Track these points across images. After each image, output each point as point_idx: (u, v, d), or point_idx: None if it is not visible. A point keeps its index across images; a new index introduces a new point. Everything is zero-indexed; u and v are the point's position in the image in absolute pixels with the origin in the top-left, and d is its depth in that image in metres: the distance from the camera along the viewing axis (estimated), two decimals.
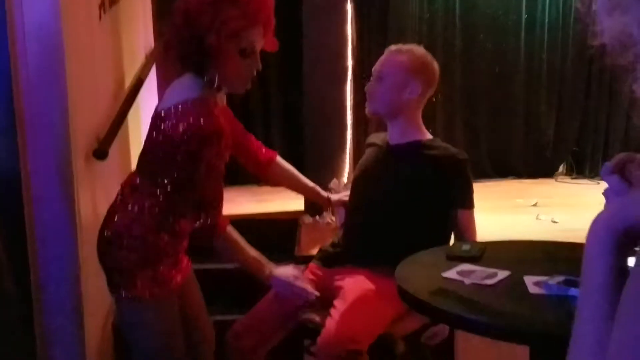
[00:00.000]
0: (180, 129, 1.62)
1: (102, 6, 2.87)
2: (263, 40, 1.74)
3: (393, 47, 2.01)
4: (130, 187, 1.81)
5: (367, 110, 2.05)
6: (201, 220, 1.67)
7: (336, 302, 1.80)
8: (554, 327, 1.07)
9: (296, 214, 3.29)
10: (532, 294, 1.24)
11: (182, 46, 1.67)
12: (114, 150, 2.81)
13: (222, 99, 1.89)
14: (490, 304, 1.20)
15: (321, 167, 3.37)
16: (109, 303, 2.87)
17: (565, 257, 1.52)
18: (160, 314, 1.73)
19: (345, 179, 3.46)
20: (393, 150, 2.03)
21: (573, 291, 1.20)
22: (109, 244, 1.76)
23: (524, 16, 4.64)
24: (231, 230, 1.72)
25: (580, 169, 4.77)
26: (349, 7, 3.58)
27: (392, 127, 2.02)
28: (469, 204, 1.96)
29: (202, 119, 1.62)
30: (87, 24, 2.72)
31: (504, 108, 4.73)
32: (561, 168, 4.87)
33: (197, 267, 2.94)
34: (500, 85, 4.71)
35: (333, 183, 3.23)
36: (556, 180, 4.70)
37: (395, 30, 4.31)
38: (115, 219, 1.75)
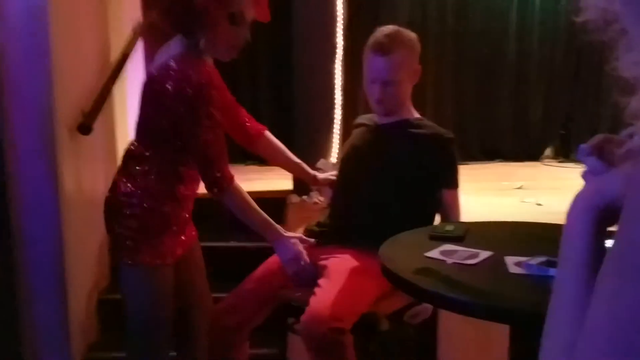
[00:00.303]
0: (171, 82, 1.65)
1: None
2: (254, 10, 1.74)
3: (384, 44, 1.88)
4: (128, 156, 1.82)
5: (383, 112, 1.99)
6: (208, 176, 1.70)
7: (321, 281, 1.81)
8: (533, 306, 1.08)
9: (283, 193, 3.28)
10: (512, 274, 1.25)
11: (171, 5, 1.68)
12: (98, 125, 2.78)
13: (209, 64, 1.87)
14: (471, 284, 1.21)
15: (310, 147, 3.35)
16: (94, 278, 2.87)
17: (548, 238, 1.53)
18: (155, 284, 1.76)
19: (333, 159, 3.45)
20: (381, 130, 2.03)
21: (553, 271, 1.21)
22: (113, 212, 1.78)
23: None
24: (239, 186, 1.75)
25: (567, 153, 4.80)
26: None
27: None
28: (454, 183, 1.97)
29: (190, 71, 1.64)
30: None
31: (493, 91, 4.74)
32: (548, 151, 4.90)
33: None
34: (490, 67, 4.70)
35: (321, 162, 3.22)
36: (542, 164, 4.73)
37: (388, 8, 4.28)
38: (119, 188, 1.77)
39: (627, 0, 0.48)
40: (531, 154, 4.79)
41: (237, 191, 1.74)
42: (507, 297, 1.14)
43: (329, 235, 2.01)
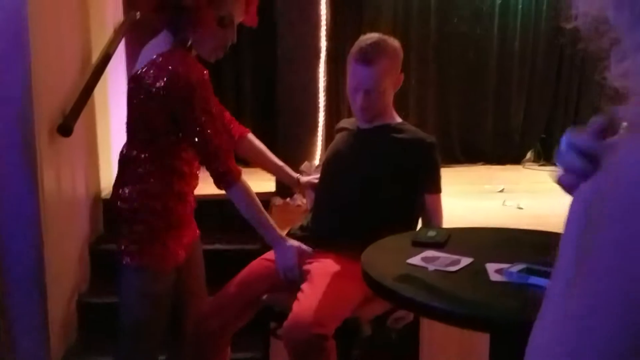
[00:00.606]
0: (162, 80, 1.64)
1: None
2: (243, 14, 1.76)
3: (368, 53, 1.89)
4: (124, 161, 1.82)
5: (365, 120, 1.99)
6: (213, 171, 1.72)
7: (303, 286, 1.81)
8: (513, 314, 1.09)
9: (267, 196, 3.27)
10: (492, 281, 1.26)
11: (164, 1, 1.70)
12: (79, 126, 2.75)
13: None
14: (452, 291, 1.21)
15: (294, 150, 3.35)
16: (74, 281, 2.83)
17: (529, 245, 1.55)
18: (156, 288, 1.77)
19: (317, 162, 3.45)
20: (362, 134, 2.03)
21: (533, 279, 1.23)
22: (118, 218, 1.79)
23: (498, 1, 4.66)
24: (245, 183, 1.77)
25: (548, 156, 4.85)
26: None
27: None
28: (436, 188, 1.98)
29: (181, 67, 1.65)
30: None
31: (475, 94, 4.77)
32: (529, 155, 4.95)
33: None
34: (473, 71, 4.74)
35: (304, 165, 3.21)
36: (524, 167, 4.78)
37: (371, 11, 4.29)
38: (120, 195, 1.77)
39: (620, 8, 0.47)
40: (513, 158, 4.84)
41: (242, 187, 1.76)
42: (487, 305, 1.15)
43: (312, 239, 2.01)
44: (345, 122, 2.19)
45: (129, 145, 1.81)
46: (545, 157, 4.85)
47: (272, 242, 1.87)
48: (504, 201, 3.47)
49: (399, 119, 2.05)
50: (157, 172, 1.74)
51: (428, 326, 2.26)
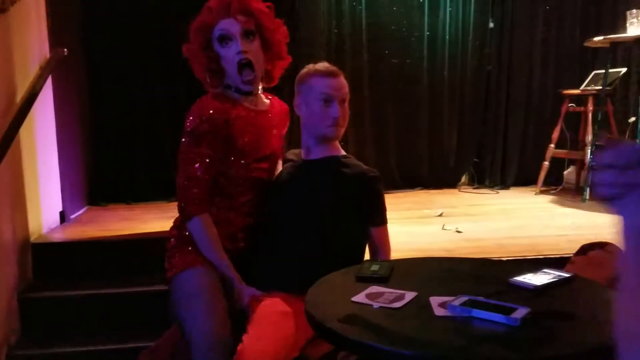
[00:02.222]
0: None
1: None
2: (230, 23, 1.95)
3: (331, 68, 1.99)
4: None
5: (338, 135, 2.00)
6: (177, 202, 1.94)
7: (249, 328, 1.75)
8: (459, 353, 1.09)
9: None
10: (437, 316, 1.26)
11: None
12: (4, 169, 2.61)
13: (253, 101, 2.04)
14: (398, 330, 1.20)
15: None
16: (2, 332, 2.65)
17: (469, 275, 1.57)
18: (197, 280, 1.86)
19: None
20: (307, 166, 2.02)
21: (475, 312, 1.23)
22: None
23: (426, 33, 4.82)
24: (203, 222, 1.90)
25: (481, 179, 5.01)
26: None
27: (321, 143, 2.01)
28: (381, 220, 1.98)
29: (196, 105, 1.92)
30: None
31: (409, 122, 4.89)
32: (464, 178, 5.09)
33: (108, 291, 2.82)
34: (405, 99, 4.86)
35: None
36: (459, 191, 4.90)
37: (305, 45, 4.33)
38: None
39: None
40: (449, 182, 4.96)
41: (197, 227, 1.90)
42: (434, 344, 1.14)
43: (257, 277, 1.96)
44: (290, 154, 2.17)
45: None
46: (479, 181, 5.00)
47: (230, 281, 1.90)
48: (443, 225, 3.54)
49: (343, 152, 2.06)
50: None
51: None
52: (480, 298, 1.29)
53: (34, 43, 3.26)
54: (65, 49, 3.41)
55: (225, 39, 1.94)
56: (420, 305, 1.32)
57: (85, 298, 2.85)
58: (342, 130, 2.01)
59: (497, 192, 4.80)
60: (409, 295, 1.38)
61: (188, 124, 1.91)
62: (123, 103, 4.33)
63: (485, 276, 1.56)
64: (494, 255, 2.85)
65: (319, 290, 1.48)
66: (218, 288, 1.87)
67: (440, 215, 3.87)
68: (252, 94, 2.02)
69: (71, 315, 2.82)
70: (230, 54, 1.93)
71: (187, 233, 1.94)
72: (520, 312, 1.22)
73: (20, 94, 2.99)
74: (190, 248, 1.93)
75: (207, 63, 1.97)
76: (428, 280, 1.54)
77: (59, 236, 3.30)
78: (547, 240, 3.18)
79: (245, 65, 1.93)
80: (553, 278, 1.48)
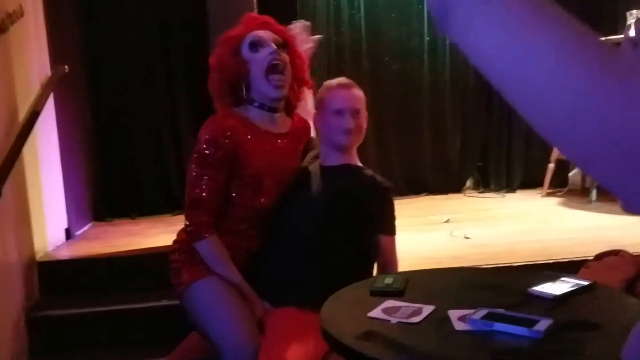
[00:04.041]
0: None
1: None
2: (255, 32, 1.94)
3: (344, 81, 2.03)
4: None
5: (352, 143, 2.01)
6: (185, 219, 1.90)
7: (264, 343, 1.73)
8: None
9: None
10: (457, 331, 1.23)
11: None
12: (8, 188, 2.59)
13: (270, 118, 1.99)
14: (418, 346, 1.17)
15: None
16: (9, 352, 2.62)
17: (486, 286, 1.54)
18: (215, 287, 1.86)
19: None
20: (323, 172, 2.01)
21: (497, 326, 1.21)
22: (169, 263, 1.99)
23: (427, 38, 4.80)
24: (211, 242, 1.86)
25: (486, 183, 4.97)
26: None
27: (337, 152, 2.00)
28: (391, 230, 1.96)
29: (208, 124, 1.89)
30: None
31: (412, 128, 4.87)
32: (468, 183, 5.06)
33: (116, 307, 2.80)
34: (407, 106, 4.84)
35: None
36: (465, 195, 4.87)
37: None
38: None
39: None
40: (453, 187, 4.93)
41: (206, 248, 1.87)
42: (454, 359, 1.11)
43: (267, 291, 1.94)
44: (307, 160, 2.14)
45: None
46: (483, 184, 4.97)
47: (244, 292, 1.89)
48: (451, 232, 3.51)
49: (359, 162, 2.05)
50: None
51: None
52: (500, 310, 1.26)
53: (34, 61, 3.25)
54: (66, 66, 3.40)
55: (256, 44, 1.92)
56: (439, 320, 1.29)
57: (92, 315, 2.83)
58: (357, 139, 2.02)
59: (503, 196, 4.76)
60: (427, 309, 1.35)
61: (198, 143, 1.87)
62: (125, 118, 4.32)
63: (502, 286, 1.53)
64: (505, 261, 2.82)
65: (333, 306, 1.45)
66: (238, 294, 1.86)
67: (447, 221, 3.84)
68: (276, 110, 1.97)
69: (79, 332, 2.80)
70: (261, 56, 1.90)
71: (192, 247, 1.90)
72: (544, 324, 1.19)
73: (22, 113, 2.98)
74: (200, 264, 1.90)
75: (234, 70, 1.91)
76: (444, 292, 1.51)
77: (64, 254, 3.28)
78: (559, 243, 3.15)
79: (276, 66, 1.90)
80: (572, 287, 1.45)
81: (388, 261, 1.96)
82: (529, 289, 1.43)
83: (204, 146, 1.84)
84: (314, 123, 2.09)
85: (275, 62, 1.90)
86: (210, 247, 1.87)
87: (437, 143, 4.90)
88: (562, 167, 4.71)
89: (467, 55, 0.50)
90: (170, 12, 4.27)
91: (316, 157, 2.11)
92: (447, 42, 4.83)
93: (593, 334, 1.22)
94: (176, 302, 2.74)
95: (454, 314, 1.30)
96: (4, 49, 2.84)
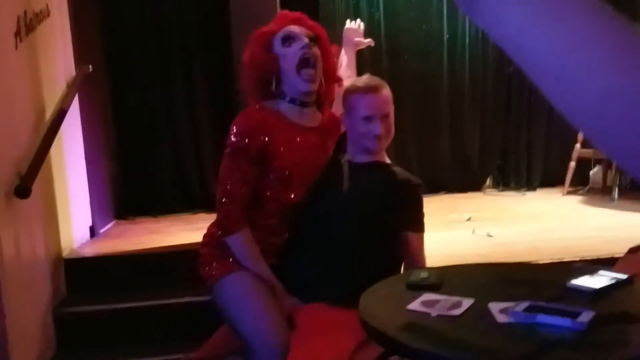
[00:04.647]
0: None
1: (18, 34, 2.69)
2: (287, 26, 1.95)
3: (371, 83, 1.95)
4: None
5: (381, 148, 1.98)
6: (216, 214, 1.91)
7: (294, 341, 1.73)
8: None
9: None
10: (500, 323, 1.23)
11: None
12: (36, 186, 2.62)
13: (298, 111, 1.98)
14: (461, 338, 1.18)
15: None
16: (38, 348, 2.65)
17: (522, 281, 1.54)
18: (246, 281, 1.86)
19: None
20: (354, 169, 1.99)
21: (540, 317, 1.21)
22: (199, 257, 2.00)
23: (446, 37, 4.79)
24: (243, 237, 1.87)
25: (506, 182, 4.95)
26: None
27: (365, 153, 1.99)
28: (419, 227, 1.96)
29: (239, 119, 1.89)
30: (1, 53, 2.53)
31: (431, 126, 4.85)
32: (488, 181, 5.04)
33: (143, 304, 2.82)
34: (426, 104, 4.83)
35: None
36: (485, 194, 4.86)
37: None
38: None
39: None
40: (473, 185, 4.91)
41: (237, 243, 1.88)
42: (500, 351, 1.12)
43: (295, 287, 1.94)
44: (336, 155, 2.12)
45: None
46: (503, 183, 4.95)
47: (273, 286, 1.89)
48: (473, 230, 3.50)
49: (388, 160, 2.05)
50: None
51: None
52: (542, 303, 1.26)
53: (60, 60, 3.28)
54: (90, 66, 3.44)
55: (288, 38, 1.92)
56: (480, 312, 1.29)
57: (117, 311, 2.85)
58: (387, 142, 1.99)
59: (524, 194, 4.74)
60: (466, 302, 1.35)
61: (230, 135, 1.88)
62: (147, 116, 4.36)
63: (538, 280, 1.53)
64: (532, 258, 2.81)
65: (371, 300, 1.46)
66: (267, 290, 1.86)
67: (469, 219, 3.83)
68: (307, 104, 1.97)
69: (106, 328, 2.82)
70: (292, 50, 1.90)
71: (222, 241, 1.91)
72: (586, 316, 1.19)
73: (49, 112, 3.01)
74: (230, 258, 1.91)
75: (265, 65, 1.92)
76: (481, 286, 1.51)
77: (89, 251, 3.31)
78: (583, 242, 3.14)
79: (307, 60, 1.89)
80: (611, 280, 1.45)
81: (416, 258, 1.95)
82: (568, 283, 1.43)
83: (237, 138, 1.85)
84: (342, 123, 2.04)
85: (306, 56, 1.90)
86: (240, 242, 1.88)
87: (456, 141, 4.88)
88: (583, 166, 4.68)
89: (491, 35, 0.49)
90: (191, 11, 4.30)
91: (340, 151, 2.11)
92: (467, 40, 4.82)
93: (637, 326, 1.22)
94: (200, 298, 2.78)
95: (494, 307, 1.30)
96: (32, 48, 2.87)
